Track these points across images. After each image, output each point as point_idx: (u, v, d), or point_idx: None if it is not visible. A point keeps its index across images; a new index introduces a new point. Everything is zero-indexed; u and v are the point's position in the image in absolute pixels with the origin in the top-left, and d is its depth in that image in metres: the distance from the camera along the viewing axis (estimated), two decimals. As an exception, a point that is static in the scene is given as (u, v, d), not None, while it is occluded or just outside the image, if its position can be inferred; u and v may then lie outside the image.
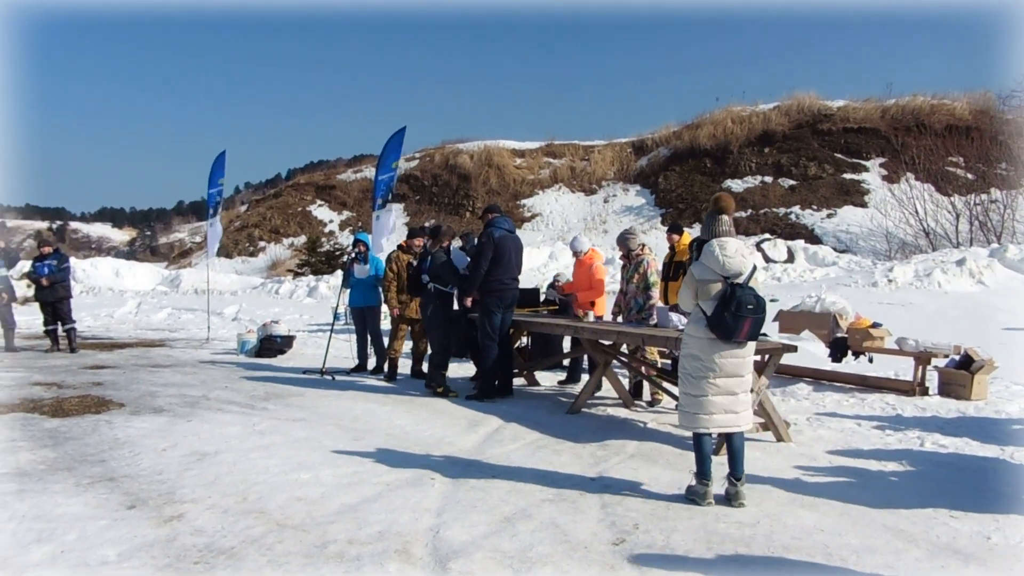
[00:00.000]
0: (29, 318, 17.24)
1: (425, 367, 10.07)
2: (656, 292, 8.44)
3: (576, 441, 6.61)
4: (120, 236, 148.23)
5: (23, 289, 18.28)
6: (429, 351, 9.26)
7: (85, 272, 29.75)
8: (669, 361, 8.66)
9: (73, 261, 14.71)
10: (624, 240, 8.64)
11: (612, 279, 23.08)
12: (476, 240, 11.03)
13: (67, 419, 7.33)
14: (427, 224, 33.75)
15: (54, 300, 12.87)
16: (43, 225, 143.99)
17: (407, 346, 11.09)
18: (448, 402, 8.42)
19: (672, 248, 9.25)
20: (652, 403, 8.41)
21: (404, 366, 10.75)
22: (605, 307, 9.60)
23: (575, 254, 9.82)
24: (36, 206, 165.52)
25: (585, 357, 9.72)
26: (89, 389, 8.99)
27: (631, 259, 8.60)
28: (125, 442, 6.45)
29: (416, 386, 9.41)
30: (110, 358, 12.09)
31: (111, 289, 28.05)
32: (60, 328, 12.94)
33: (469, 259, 8.79)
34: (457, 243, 10.00)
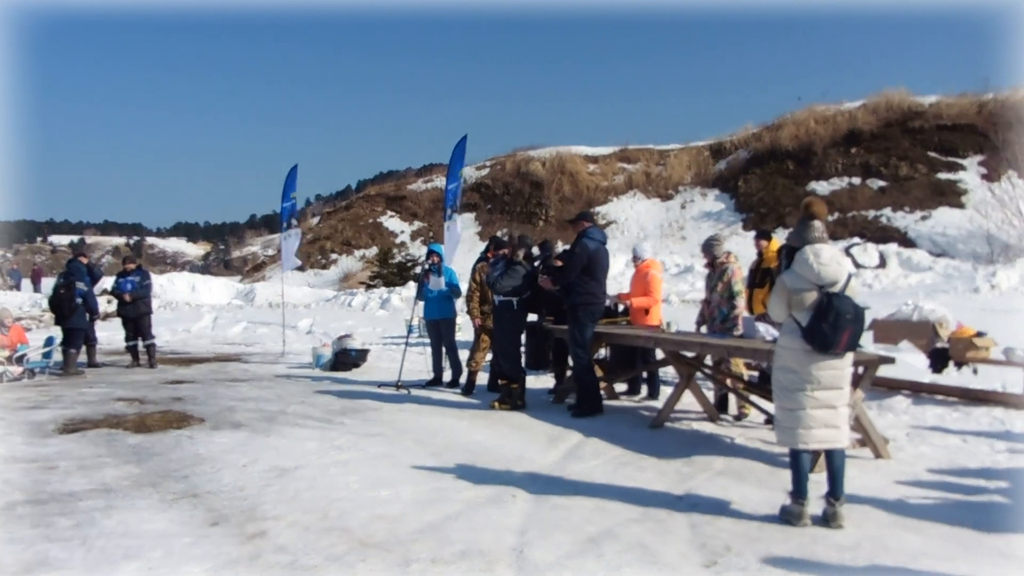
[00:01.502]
0: (109, 334, 17.88)
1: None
2: (741, 302, 8.31)
3: (660, 457, 6.53)
4: (195, 251, 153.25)
5: (104, 305, 19.00)
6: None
7: (162, 287, 30.75)
8: (756, 373, 8.50)
9: (153, 277, 15.22)
10: (709, 247, 8.54)
11: (693, 287, 22.82)
12: (552, 249, 11.06)
13: (150, 435, 7.57)
14: (500, 233, 33.89)
15: (136, 316, 13.33)
16: (121, 241, 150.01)
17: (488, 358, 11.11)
18: (526, 416, 8.41)
19: (760, 254, 9.09)
20: (739, 417, 8.26)
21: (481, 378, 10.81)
22: (660, 316, 9.59)
23: (634, 259, 9.80)
24: (114, 222, 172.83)
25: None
26: (170, 404, 9.27)
27: (715, 267, 8.49)
28: (207, 458, 6.63)
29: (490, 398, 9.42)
30: (189, 373, 12.47)
31: (188, 304, 28.93)
32: (140, 344, 13.38)
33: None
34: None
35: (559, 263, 8.85)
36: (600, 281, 8.54)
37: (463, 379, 10.55)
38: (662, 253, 31.72)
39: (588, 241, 8.56)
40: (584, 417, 8.31)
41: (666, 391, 9.61)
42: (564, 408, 8.92)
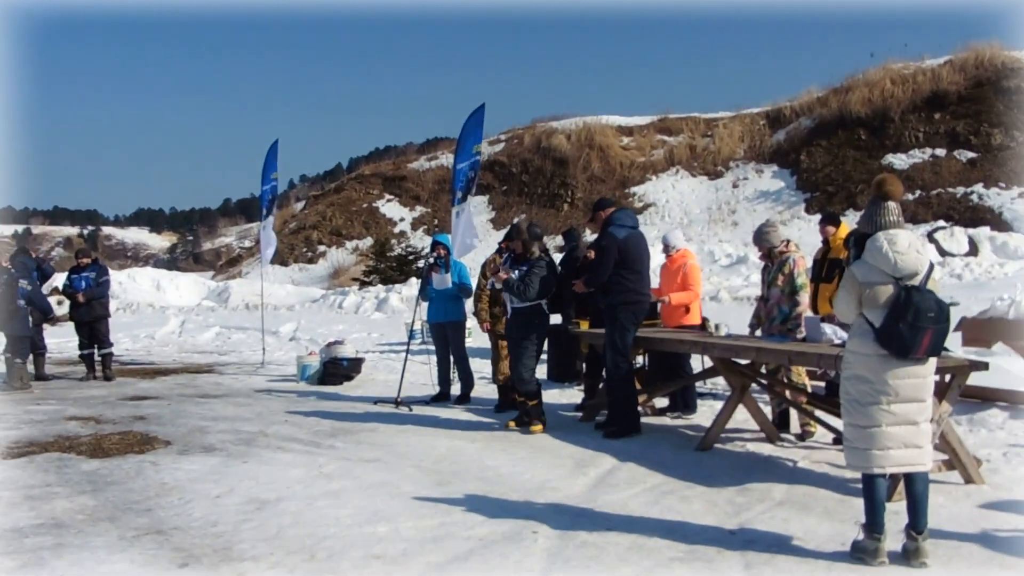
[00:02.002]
0: (60, 340, 18.03)
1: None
2: (805, 298, 8.27)
3: (709, 485, 6.51)
4: (159, 242, 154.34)
5: (54, 306, 19.11)
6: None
7: (122, 285, 30.97)
8: (823, 384, 8.45)
9: (111, 273, 15.33)
10: (763, 236, 8.49)
11: (748, 281, 22.75)
12: (579, 238, 11.05)
13: (108, 460, 7.62)
14: (517, 222, 34.05)
15: (91, 319, 13.43)
16: (73, 231, 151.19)
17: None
18: (549, 438, 8.42)
19: (825, 242, 9.04)
20: (802, 436, 8.22)
21: (478, 391, 10.87)
22: (699, 314, 9.61)
23: (665, 250, 9.80)
24: (65, 209, 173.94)
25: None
26: (131, 424, 9.33)
27: (773, 258, 8.44)
28: (173, 487, 6.66)
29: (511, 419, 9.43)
30: (153, 387, 12.56)
31: (151, 305, 29.15)
32: (96, 352, 13.47)
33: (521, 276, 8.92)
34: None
35: (591, 256, 8.78)
36: (641, 273, 8.52)
37: (475, 392, 10.58)
38: (710, 241, 31.70)
39: (616, 229, 8.51)
40: (618, 438, 8.29)
41: (713, 407, 9.58)
42: (593, 427, 8.92)
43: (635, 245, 8.53)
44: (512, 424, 8.87)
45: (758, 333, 8.55)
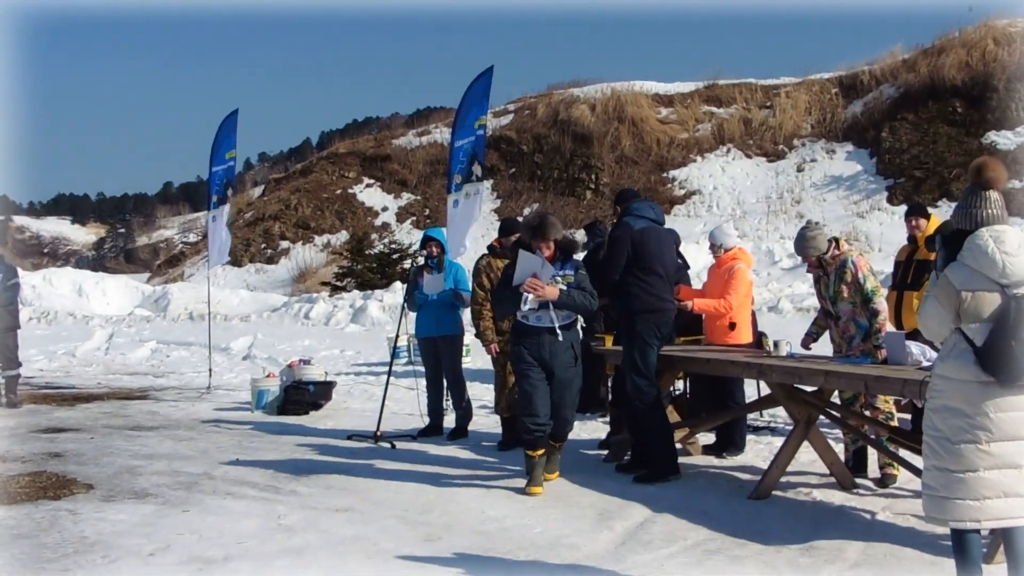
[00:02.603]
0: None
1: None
2: (883, 303, 8.21)
3: (766, 542, 6.48)
4: (83, 236, 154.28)
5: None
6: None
7: (35, 290, 30.95)
8: (909, 416, 8.42)
9: (21, 274, 15.31)
10: (806, 244, 8.33)
11: (799, 288, 22.70)
12: (605, 233, 11.02)
13: (14, 507, 7.58)
14: (529, 213, 33.89)
15: (-5, 332, 13.39)
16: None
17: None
18: (566, 482, 8.39)
19: (912, 239, 9.02)
20: (883, 481, 8.19)
21: (478, 424, 10.84)
22: (750, 329, 9.61)
23: (712, 249, 9.83)
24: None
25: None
26: (44, 463, 9.30)
27: (826, 267, 8.37)
28: (96, 542, 6.62)
29: (518, 458, 9.38)
30: (72, 417, 12.54)
31: (72, 315, 29.11)
32: (0, 374, 13.45)
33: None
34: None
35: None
36: (662, 276, 8.50)
37: (474, 425, 10.56)
38: (769, 238, 31.63)
39: (630, 219, 8.57)
40: (651, 483, 8.26)
41: (771, 444, 9.55)
42: (615, 469, 8.90)
43: (655, 240, 8.54)
44: (534, 489, 8.17)
45: (814, 349, 8.53)
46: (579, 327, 8.79)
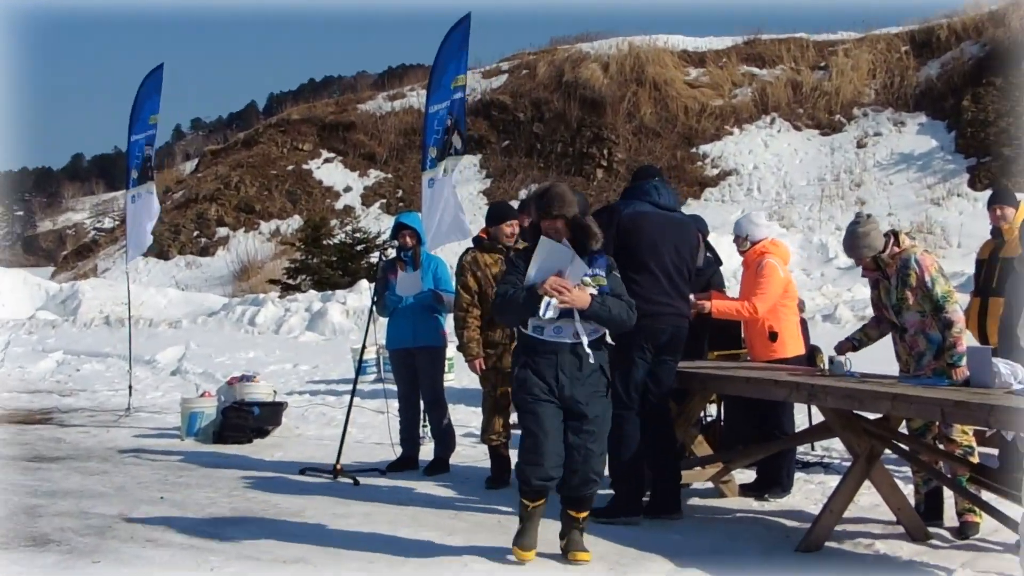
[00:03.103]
0: None
1: None
2: (957, 311, 8.11)
3: (817, 607, 6.39)
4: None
5: None
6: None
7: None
8: (995, 452, 8.31)
9: None
10: (857, 242, 8.32)
11: (861, 292, 22.63)
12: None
13: None
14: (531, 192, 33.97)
15: None
16: None
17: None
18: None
19: (996, 232, 8.90)
20: (963, 531, 8.11)
21: (462, 455, 10.76)
22: (799, 340, 9.57)
23: (737, 242, 9.82)
24: None
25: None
26: (-82, 502, 9.23)
27: (884, 268, 8.27)
28: (-19, 604, 6.52)
29: (511, 498, 9.26)
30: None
31: (-44, 319, 29.06)
32: None
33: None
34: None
35: None
36: (655, 273, 8.44)
37: (457, 457, 10.51)
38: (822, 229, 31.60)
39: (622, 203, 8.66)
40: (609, 520, 8.28)
41: (824, 485, 9.46)
42: (659, 516, 8.73)
43: (650, 228, 8.49)
44: (523, 554, 7.74)
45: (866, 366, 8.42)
46: (606, 343, 8.03)
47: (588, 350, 7.29)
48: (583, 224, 7.41)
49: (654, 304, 8.34)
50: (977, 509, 8.01)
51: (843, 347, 8.69)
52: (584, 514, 7.51)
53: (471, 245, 10.44)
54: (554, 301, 7.05)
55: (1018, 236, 8.33)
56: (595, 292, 7.28)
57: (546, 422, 7.23)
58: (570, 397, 7.26)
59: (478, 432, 11.08)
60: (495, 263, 9.91)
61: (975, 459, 8.17)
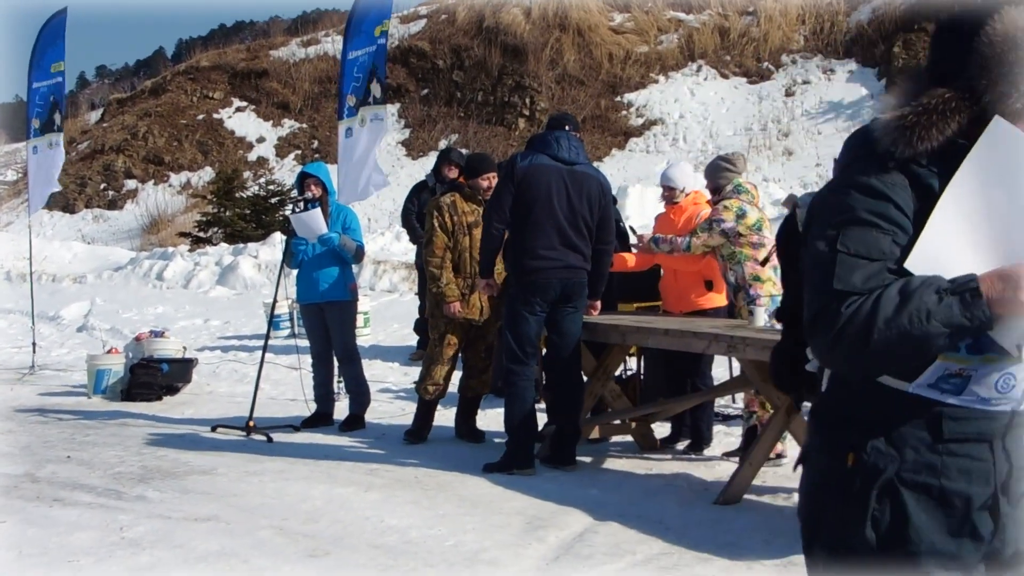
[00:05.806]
0: None
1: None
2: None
3: (735, 556, 6.55)
4: None
5: None
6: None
7: None
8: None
9: None
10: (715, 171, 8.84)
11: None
12: None
13: None
14: (452, 146, 33.82)
15: None
16: None
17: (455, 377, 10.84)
18: (486, 482, 8.42)
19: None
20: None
21: (378, 411, 10.80)
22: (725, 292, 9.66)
23: (668, 193, 9.95)
24: None
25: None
26: None
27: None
28: None
29: (449, 456, 9.38)
30: None
31: None
32: None
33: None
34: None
35: None
36: (547, 229, 8.55)
37: (372, 413, 10.56)
38: (750, 178, 31.63)
39: (519, 156, 8.73)
40: (502, 471, 8.49)
41: (735, 435, 9.65)
42: (555, 465, 8.91)
43: (544, 181, 8.58)
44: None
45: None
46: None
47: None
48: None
49: (539, 259, 8.55)
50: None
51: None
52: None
53: (448, 190, 10.41)
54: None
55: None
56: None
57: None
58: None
59: (394, 387, 11.20)
60: (471, 212, 9.79)
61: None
